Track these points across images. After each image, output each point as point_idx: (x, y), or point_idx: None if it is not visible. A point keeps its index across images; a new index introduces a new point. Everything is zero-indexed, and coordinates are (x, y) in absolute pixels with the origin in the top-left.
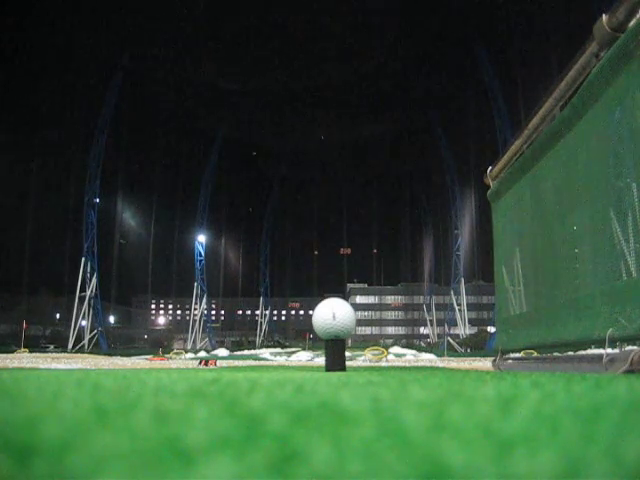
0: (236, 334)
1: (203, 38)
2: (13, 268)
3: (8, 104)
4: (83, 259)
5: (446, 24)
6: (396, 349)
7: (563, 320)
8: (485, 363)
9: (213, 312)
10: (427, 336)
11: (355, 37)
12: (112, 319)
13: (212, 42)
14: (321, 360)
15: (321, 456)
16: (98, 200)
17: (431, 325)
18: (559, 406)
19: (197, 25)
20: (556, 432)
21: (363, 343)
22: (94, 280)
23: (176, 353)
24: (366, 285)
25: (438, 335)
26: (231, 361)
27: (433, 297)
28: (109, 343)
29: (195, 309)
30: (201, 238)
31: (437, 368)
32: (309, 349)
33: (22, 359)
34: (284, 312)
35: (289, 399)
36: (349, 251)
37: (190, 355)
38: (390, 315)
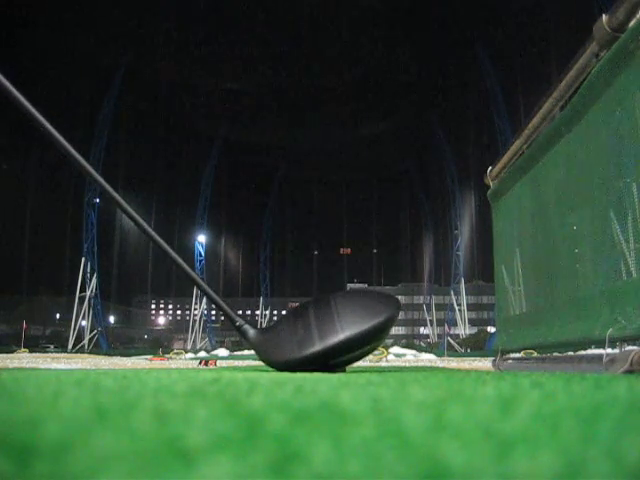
0: (236, 334)
1: (203, 38)
2: (13, 268)
3: (8, 104)
4: (83, 259)
5: (446, 24)
6: (396, 349)
7: (563, 320)
8: (485, 363)
9: (213, 312)
10: (427, 336)
11: (355, 37)
12: (112, 319)
13: (212, 42)
14: None
15: (321, 456)
16: (98, 200)
17: (431, 325)
18: (559, 406)
19: (197, 25)
20: (556, 432)
21: None
22: (94, 280)
23: (176, 353)
24: (366, 285)
25: (438, 335)
26: (231, 361)
27: (433, 297)
28: (109, 343)
29: (195, 309)
30: (201, 238)
31: (437, 368)
32: None
33: (22, 359)
34: (284, 312)
35: (289, 399)
36: (349, 251)
37: (190, 355)
38: None
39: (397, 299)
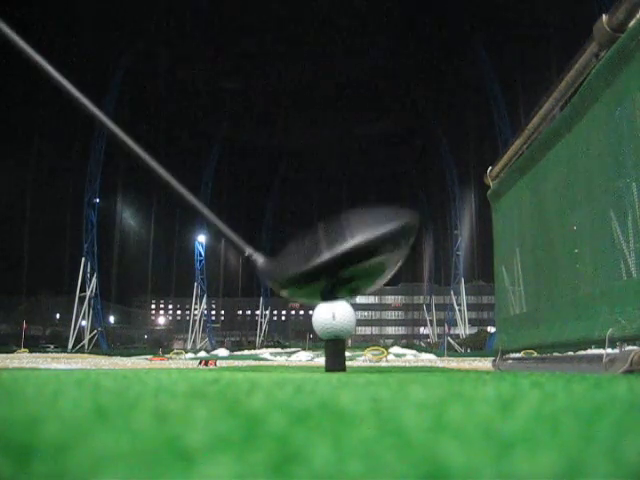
0: (236, 334)
1: (203, 38)
2: (13, 268)
3: (8, 104)
4: (83, 259)
5: (446, 24)
6: (396, 349)
7: (563, 320)
8: (485, 363)
9: (213, 312)
10: (427, 336)
11: (355, 37)
12: (112, 319)
13: (212, 42)
14: (321, 360)
15: (321, 456)
16: (98, 200)
17: (431, 325)
18: (559, 406)
19: (197, 25)
20: (556, 432)
21: (363, 343)
22: (94, 280)
23: (176, 353)
24: None
25: (438, 335)
26: (231, 361)
27: (433, 297)
28: (109, 343)
29: (195, 309)
30: (201, 238)
31: (437, 368)
32: (309, 349)
33: (22, 359)
34: (284, 312)
35: (289, 399)
36: None
37: (190, 355)
38: (390, 315)
39: (415, 213)
